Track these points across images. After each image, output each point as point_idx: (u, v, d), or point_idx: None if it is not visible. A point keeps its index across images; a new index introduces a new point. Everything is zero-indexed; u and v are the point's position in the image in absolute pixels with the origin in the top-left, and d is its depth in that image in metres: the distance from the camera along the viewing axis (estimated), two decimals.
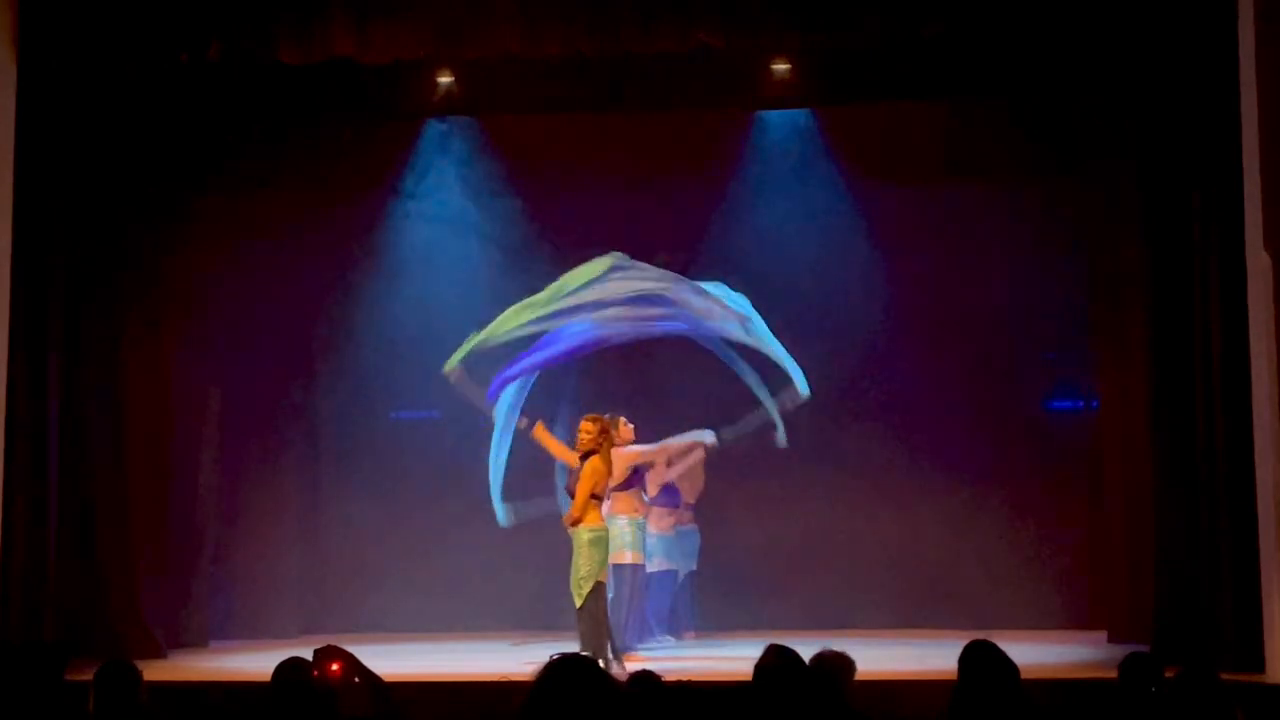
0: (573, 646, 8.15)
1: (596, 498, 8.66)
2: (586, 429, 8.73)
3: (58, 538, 9.18)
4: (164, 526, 10.23)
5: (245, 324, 11.04)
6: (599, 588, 8.58)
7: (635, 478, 9.58)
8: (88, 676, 4.88)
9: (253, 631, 10.88)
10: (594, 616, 8.49)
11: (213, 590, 10.87)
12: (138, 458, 10.00)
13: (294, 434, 11.53)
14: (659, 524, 10.28)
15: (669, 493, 10.40)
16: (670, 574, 10.32)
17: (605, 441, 8.73)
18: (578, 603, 8.54)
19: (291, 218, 11.28)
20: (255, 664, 9.18)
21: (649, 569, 10.06)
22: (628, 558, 9.41)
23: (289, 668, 4.95)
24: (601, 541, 8.62)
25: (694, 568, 10.57)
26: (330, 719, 4.76)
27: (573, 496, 8.69)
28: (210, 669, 9.29)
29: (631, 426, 9.71)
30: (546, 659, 3.28)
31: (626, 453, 9.44)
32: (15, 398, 8.87)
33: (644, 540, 9.59)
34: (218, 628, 10.82)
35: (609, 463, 8.76)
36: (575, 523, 8.61)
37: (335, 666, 4.76)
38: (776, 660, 4.38)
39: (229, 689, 8.25)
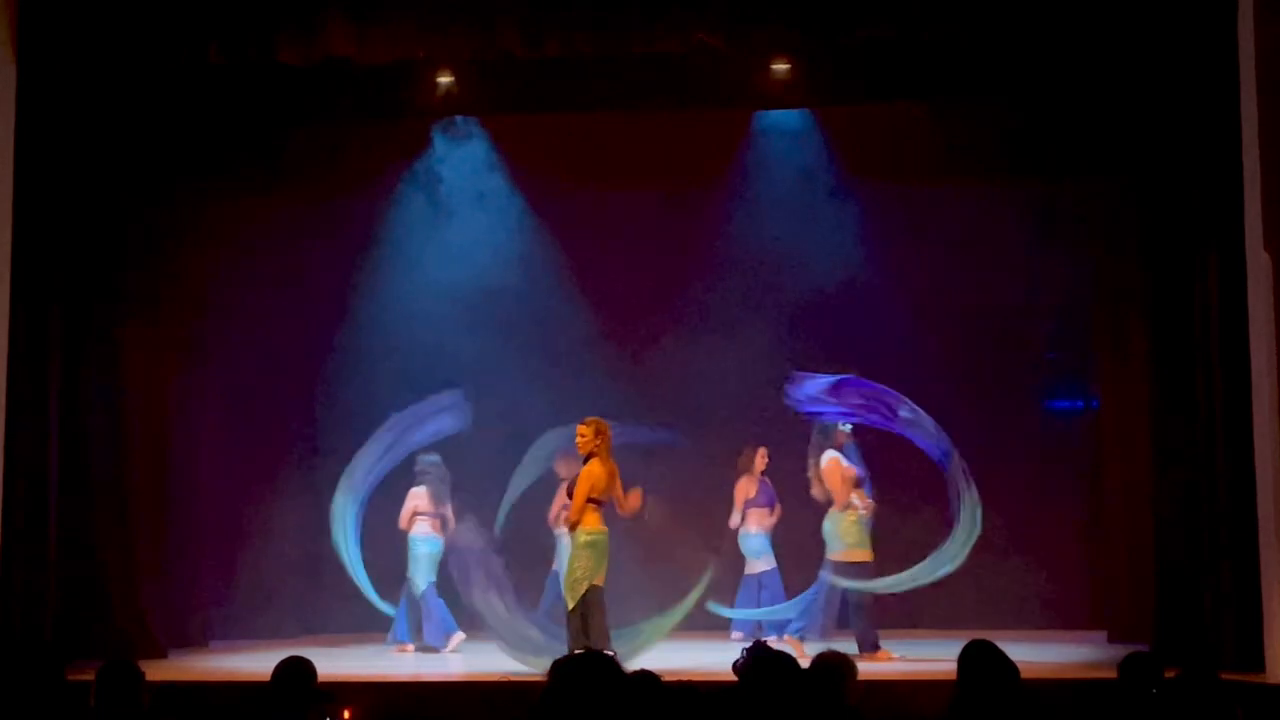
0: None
1: (595, 502, 8.65)
2: (582, 433, 8.75)
3: (58, 538, 9.18)
4: (164, 526, 10.23)
5: (245, 324, 11.04)
6: (593, 591, 8.57)
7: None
8: (88, 676, 4.87)
9: (253, 631, 10.87)
10: (585, 619, 8.48)
11: (213, 590, 10.87)
12: (138, 458, 10.01)
13: (294, 434, 11.53)
14: (762, 523, 10.48)
15: (767, 493, 10.49)
16: (775, 572, 10.50)
17: (603, 444, 8.73)
18: (570, 604, 8.55)
19: (291, 218, 11.28)
20: (255, 664, 9.18)
21: (760, 568, 10.39)
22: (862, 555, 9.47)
23: (289, 666, 4.95)
24: (597, 545, 8.60)
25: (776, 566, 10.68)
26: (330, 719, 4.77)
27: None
28: (210, 669, 9.30)
29: (848, 428, 9.67)
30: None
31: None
32: (15, 398, 8.86)
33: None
34: (218, 628, 10.82)
35: (608, 466, 8.75)
36: (573, 526, 8.61)
37: (347, 715, 4.78)
38: (756, 660, 4.37)
39: (229, 689, 8.25)
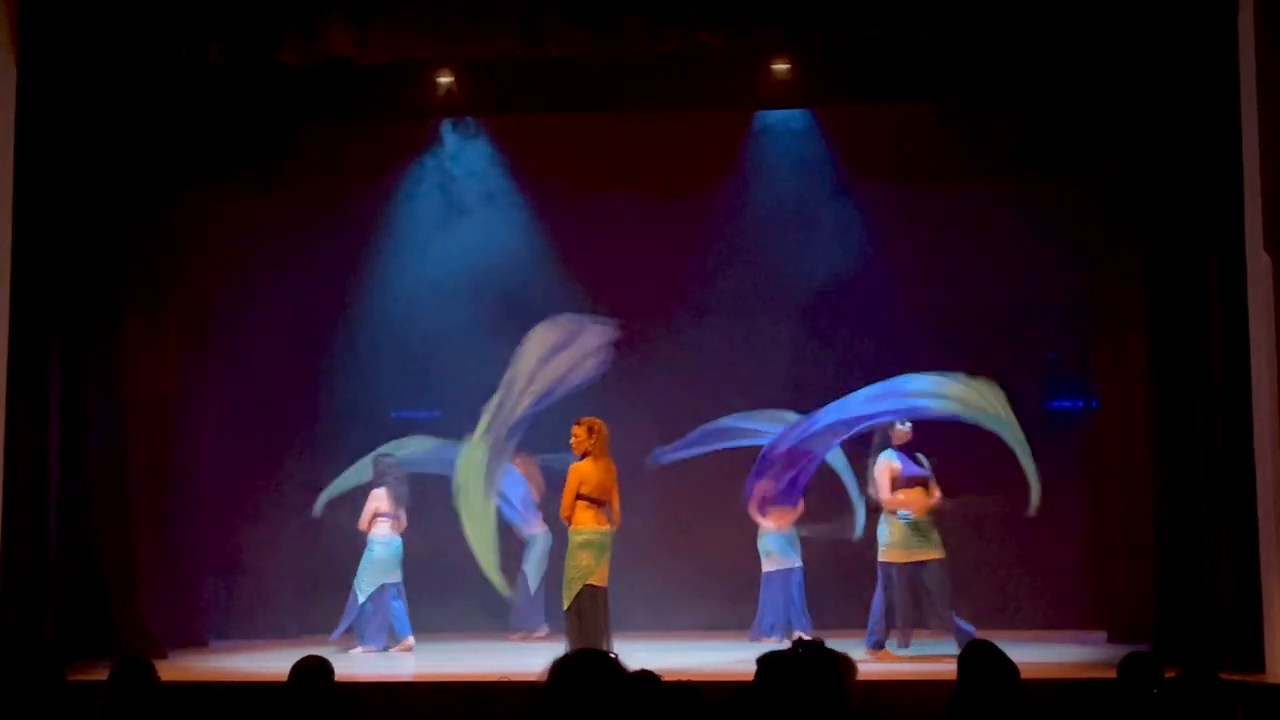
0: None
1: (593, 500, 8.66)
2: (575, 433, 8.77)
3: (58, 538, 9.18)
4: (164, 526, 10.23)
5: (245, 324, 11.05)
6: (588, 590, 8.56)
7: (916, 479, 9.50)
8: (88, 676, 4.88)
9: (253, 631, 10.88)
10: (581, 618, 8.49)
11: (213, 590, 10.88)
12: (138, 457, 10.01)
13: (294, 433, 11.53)
14: (778, 521, 10.49)
15: (790, 492, 10.49)
16: (788, 571, 10.50)
17: (597, 444, 8.74)
18: (565, 604, 8.56)
19: (291, 218, 11.28)
20: (255, 664, 9.21)
21: (766, 567, 10.45)
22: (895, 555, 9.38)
23: (306, 666, 4.95)
24: (592, 545, 8.60)
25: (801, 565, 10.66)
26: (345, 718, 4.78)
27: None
28: (210, 669, 9.30)
29: (907, 427, 9.57)
30: (550, 659, 3.28)
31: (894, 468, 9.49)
32: (15, 397, 8.86)
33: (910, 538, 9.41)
34: (218, 628, 10.83)
35: (602, 464, 8.75)
36: (567, 524, 8.68)
37: None
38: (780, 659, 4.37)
39: (229, 689, 8.25)
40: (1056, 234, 11.07)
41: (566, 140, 11.08)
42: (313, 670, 4.95)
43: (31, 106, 8.94)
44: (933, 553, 9.34)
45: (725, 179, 11.41)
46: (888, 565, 9.37)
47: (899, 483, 9.45)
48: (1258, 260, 8.15)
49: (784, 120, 11.28)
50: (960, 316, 11.31)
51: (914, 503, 9.39)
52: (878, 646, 9.25)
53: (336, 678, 5.02)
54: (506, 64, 9.52)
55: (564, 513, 8.70)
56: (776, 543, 10.53)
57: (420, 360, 11.55)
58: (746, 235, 11.50)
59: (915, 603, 9.30)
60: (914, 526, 9.35)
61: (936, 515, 9.44)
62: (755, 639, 10.23)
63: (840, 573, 10.83)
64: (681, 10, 8.85)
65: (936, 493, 9.46)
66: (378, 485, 10.43)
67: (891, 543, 9.38)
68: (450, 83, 10.35)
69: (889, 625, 9.37)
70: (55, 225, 9.24)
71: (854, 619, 10.54)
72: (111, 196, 9.74)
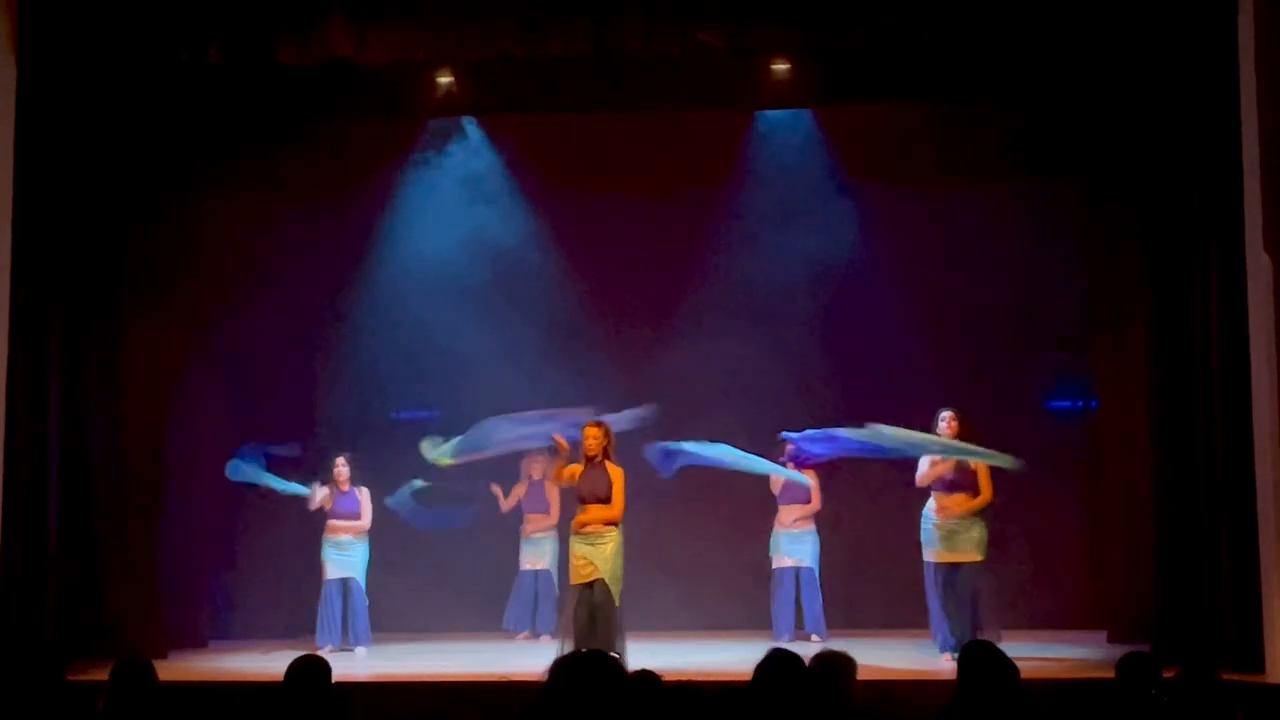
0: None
1: None
2: (593, 434, 8.71)
3: (58, 538, 9.18)
4: (164, 526, 10.22)
5: (245, 323, 11.04)
6: None
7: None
8: (87, 676, 4.88)
9: (252, 631, 10.88)
10: (619, 617, 8.52)
11: (212, 590, 10.87)
12: (138, 457, 10.00)
13: (294, 433, 11.52)
14: (780, 520, 10.53)
15: (789, 490, 10.46)
16: (791, 570, 10.48)
17: (609, 446, 8.74)
18: (617, 601, 8.53)
19: (291, 218, 11.28)
20: (255, 664, 9.21)
21: (774, 565, 10.42)
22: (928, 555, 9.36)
23: (305, 665, 4.94)
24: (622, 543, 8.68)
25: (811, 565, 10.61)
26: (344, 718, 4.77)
27: (583, 501, 8.68)
28: (210, 669, 9.30)
29: (944, 424, 9.51)
30: (551, 659, 3.29)
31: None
32: (15, 398, 8.86)
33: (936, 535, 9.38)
34: (218, 628, 10.83)
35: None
36: (612, 524, 8.62)
37: None
38: (776, 662, 4.38)
39: (229, 689, 8.25)
40: (1056, 234, 11.08)
41: (566, 140, 11.08)
42: (309, 670, 4.94)
43: (31, 106, 8.94)
44: (963, 555, 9.27)
45: (725, 179, 11.40)
46: (927, 564, 9.37)
47: (937, 483, 9.40)
48: (1258, 260, 8.16)
49: (784, 120, 11.27)
50: (960, 317, 11.31)
51: (947, 505, 9.33)
52: (945, 649, 9.17)
53: (336, 678, 5.01)
54: (506, 64, 9.51)
55: (618, 514, 8.65)
56: (778, 540, 10.52)
57: (420, 360, 11.54)
58: (746, 235, 11.49)
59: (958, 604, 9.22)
60: (941, 528, 9.29)
61: (982, 518, 9.36)
62: (779, 637, 10.21)
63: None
64: (681, 10, 8.85)
65: (978, 498, 9.36)
66: (362, 485, 10.46)
67: (925, 542, 9.38)
68: (450, 83, 10.34)
69: (951, 625, 9.26)
70: (55, 225, 9.24)
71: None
72: (112, 196, 9.74)
